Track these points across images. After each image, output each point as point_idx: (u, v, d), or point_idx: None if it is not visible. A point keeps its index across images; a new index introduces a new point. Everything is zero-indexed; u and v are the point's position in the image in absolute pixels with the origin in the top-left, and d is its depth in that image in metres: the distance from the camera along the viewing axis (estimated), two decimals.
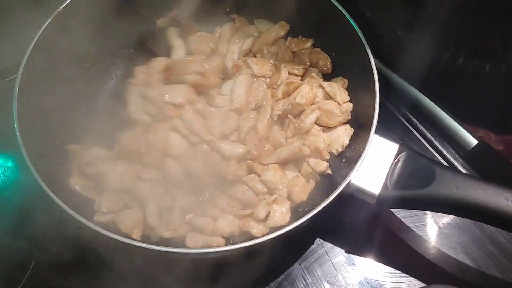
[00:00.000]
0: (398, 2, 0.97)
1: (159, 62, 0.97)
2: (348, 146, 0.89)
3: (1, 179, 0.97)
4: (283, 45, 1.01)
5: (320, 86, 0.93)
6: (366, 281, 0.87)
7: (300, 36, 1.03)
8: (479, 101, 0.96)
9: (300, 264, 0.88)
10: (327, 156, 0.87)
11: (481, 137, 0.99)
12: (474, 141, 0.99)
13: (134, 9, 1.02)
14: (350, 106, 0.91)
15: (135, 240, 0.71)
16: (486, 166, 0.97)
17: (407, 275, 0.87)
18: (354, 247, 0.90)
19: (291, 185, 0.86)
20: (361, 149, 0.79)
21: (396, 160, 0.80)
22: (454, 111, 1.02)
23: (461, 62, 0.94)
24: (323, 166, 0.86)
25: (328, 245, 0.90)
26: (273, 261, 0.88)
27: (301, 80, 0.97)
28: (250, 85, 0.96)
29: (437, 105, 1.03)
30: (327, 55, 0.99)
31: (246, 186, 0.85)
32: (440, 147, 1.01)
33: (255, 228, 0.81)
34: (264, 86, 0.96)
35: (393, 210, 0.93)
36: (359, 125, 0.88)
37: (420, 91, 1.05)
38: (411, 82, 1.05)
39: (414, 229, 0.92)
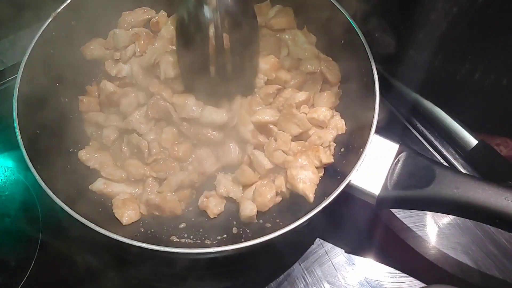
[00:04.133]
0: (398, 12, 0.97)
1: None
2: (348, 146, 0.89)
3: (1, 179, 0.97)
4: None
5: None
6: (366, 281, 0.87)
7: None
8: (494, 109, 0.95)
9: (300, 264, 0.88)
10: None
11: (498, 144, 0.98)
12: (474, 141, 0.99)
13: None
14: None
15: (135, 240, 0.71)
16: (486, 166, 0.98)
17: (407, 275, 0.87)
18: (354, 247, 0.90)
19: (258, 193, 0.84)
20: (361, 149, 0.79)
21: (396, 160, 0.80)
22: (449, 112, 1.01)
23: (452, 64, 0.94)
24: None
25: (328, 245, 0.90)
26: (273, 261, 0.88)
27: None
28: None
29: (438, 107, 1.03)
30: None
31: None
32: (440, 147, 1.01)
33: (211, 209, 0.85)
34: None
35: (393, 210, 0.93)
36: (359, 125, 0.88)
37: (415, 91, 1.05)
38: (408, 84, 1.05)
39: (414, 229, 0.92)
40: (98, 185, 0.87)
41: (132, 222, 0.83)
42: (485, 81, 0.91)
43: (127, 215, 0.83)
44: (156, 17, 1.01)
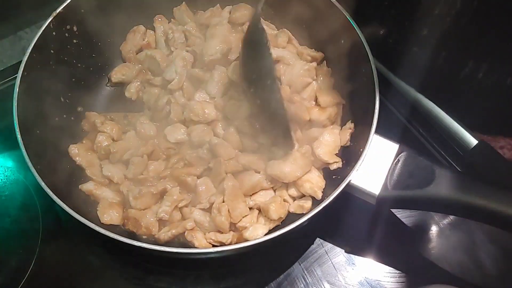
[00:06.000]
0: (398, 10, 0.97)
1: None
2: (348, 146, 0.89)
3: (1, 179, 0.97)
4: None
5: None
6: (366, 281, 0.87)
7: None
8: (497, 109, 0.95)
9: (300, 264, 0.88)
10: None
11: (502, 146, 0.98)
12: (474, 141, 0.99)
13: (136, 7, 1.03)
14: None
15: (136, 241, 0.71)
16: (486, 166, 0.97)
17: (407, 275, 0.87)
18: (354, 247, 0.90)
19: (268, 202, 0.83)
20: (361, 149, 0.79)
21: (396, 160, 0.80)
22: (449, 112, 1.01)
23: (453, 64, 0.94)
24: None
25: (328, 245, 0.90)
26: (273, 261, 0.88)
27: None
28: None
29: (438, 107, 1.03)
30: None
31: None
32: (440, 147, 1.01)
33: (198, 241, 0.80)
34: None
35: (393, 210, 0.93)
36: (359, 125, 0.88)
37: (415, 91, 1.05)
38: (408, 84, 1.05)
39: (414, 229, 0.92)
40: (88, 186, 0.86)
41: (112, 224, 0.82)
42: (488, 80, 0.91)
43: (109, 215, 0.82)
44: (146, 39, 1.04)
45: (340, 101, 0.94)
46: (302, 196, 0.86)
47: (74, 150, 0.89)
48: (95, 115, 0.94)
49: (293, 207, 0.84)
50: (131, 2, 1.02)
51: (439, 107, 1.03)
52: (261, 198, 0.86)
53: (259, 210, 0.85)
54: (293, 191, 0.85)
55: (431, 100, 1.04)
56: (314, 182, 0.84)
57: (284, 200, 0.85)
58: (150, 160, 0.88)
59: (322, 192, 0.83)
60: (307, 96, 0.94)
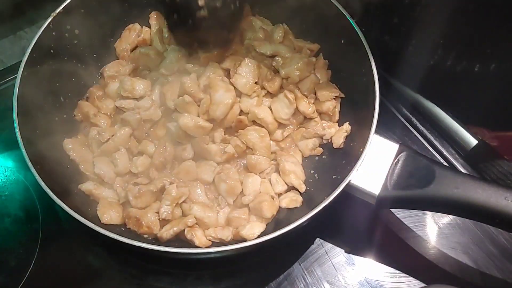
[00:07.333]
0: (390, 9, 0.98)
1: None
2: (348, 146, 0.89)
3: (1, 179, 0.97)
4: None
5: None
6: (366, 281, 0.87)
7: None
8: (471, 99, 0.96)
9: (300, 264, 0.88)
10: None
11: (476, 133, 0.99)
12: (474, 141, 0.99)
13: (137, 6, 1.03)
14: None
15: (136, 241, 0.71)
16: (486, 166, 0.97)
17: (407, 275, 0.87)
18: (354, 247, 0.90)
19: (259, 201, 0.84)
20: (361, 149, 0.79)
21: (396, 160, 0.80)
22: (447, 109, 1.02)
23: (450, 63, 0.94)
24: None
25: (328, 245, 0.90)
26: (273, 261, 0.88)
27: None
28: None
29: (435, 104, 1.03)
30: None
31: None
32: (440, 147, 1.01)
33: (198, 239, 0.80)
34: None
35: (393, 210, 0.93)
36: (359, 125, 0.88)
37: (414, 91, 1.05)
38: (408, 84, 1.06)
39: (414, 229, 0.92)
40: (88, 186, 0.86)
41: (112, 224, 0.82)
42: (484, 75, 0.91)
43: (109, 215, 0.82)
44: (142, 35, 1.03)
45: (339, 95, 0.94)
46: (288, 190, 0.89)
47: (68, 144, 0.89)
48: (87, 105, 0.94)
49: (285, 202, 0.86)
50: (131, 1, 1.02)
51: (436, 104, 1.03)
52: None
53: (249, 208, 0.86)
54: (280, 188, 0.88)
55: (430, 100, 1.04)
56: (298, 174, 0.88)
57: (271, 197, 0.86)
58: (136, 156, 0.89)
59: (304, 184, 0.88)
60: (306, 89, 0.94)
